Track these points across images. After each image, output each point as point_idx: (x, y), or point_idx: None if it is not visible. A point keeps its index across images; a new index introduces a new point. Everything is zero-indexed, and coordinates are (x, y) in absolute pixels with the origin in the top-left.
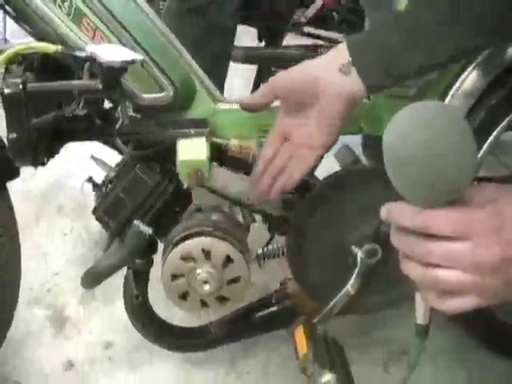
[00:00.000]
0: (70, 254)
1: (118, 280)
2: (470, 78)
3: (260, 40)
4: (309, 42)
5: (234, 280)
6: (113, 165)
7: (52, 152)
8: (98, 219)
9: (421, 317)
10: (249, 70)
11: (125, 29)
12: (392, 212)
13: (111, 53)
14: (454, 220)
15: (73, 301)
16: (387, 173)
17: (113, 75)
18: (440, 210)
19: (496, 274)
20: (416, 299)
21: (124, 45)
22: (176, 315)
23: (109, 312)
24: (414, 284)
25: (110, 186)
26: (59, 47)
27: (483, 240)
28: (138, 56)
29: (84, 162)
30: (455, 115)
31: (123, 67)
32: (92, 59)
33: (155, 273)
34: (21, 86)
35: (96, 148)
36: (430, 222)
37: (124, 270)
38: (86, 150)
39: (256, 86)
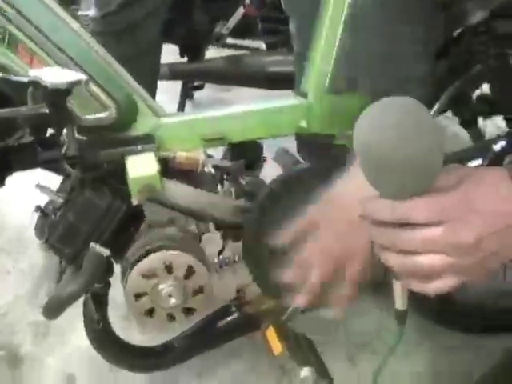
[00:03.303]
0: (16, 291)
1: (70, 310)
2: None
3: (182, 56)
4: (230, 53)
5: (198, 290)
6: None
7: None
8: (52, 248)
9: (400, 303)
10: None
11: (61, 50)
12: (368, 207)
13: (54, 75)
14: (429, 207)
15: (26, 338)
16: (361, 168)
17: (59, 98)
18: (416, 200)
19: (472, 253)
20: (394, 286)
21: (63, 67)
22: (136, 336)
23: (66, 344)
24: (393, 272)
25: (59, 213)
26: None
27: (456, 222)
28: (81, 76)
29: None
30: (422, 108)
31: (69, 89)
32: (36, 83)
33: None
34: None
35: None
36: (408, 213)
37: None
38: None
39: (183, 101)
